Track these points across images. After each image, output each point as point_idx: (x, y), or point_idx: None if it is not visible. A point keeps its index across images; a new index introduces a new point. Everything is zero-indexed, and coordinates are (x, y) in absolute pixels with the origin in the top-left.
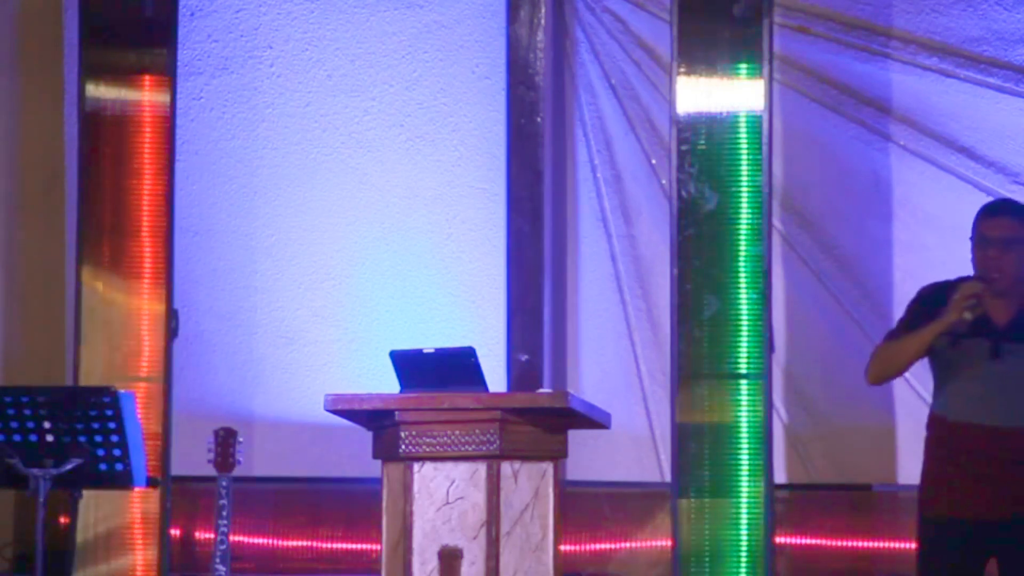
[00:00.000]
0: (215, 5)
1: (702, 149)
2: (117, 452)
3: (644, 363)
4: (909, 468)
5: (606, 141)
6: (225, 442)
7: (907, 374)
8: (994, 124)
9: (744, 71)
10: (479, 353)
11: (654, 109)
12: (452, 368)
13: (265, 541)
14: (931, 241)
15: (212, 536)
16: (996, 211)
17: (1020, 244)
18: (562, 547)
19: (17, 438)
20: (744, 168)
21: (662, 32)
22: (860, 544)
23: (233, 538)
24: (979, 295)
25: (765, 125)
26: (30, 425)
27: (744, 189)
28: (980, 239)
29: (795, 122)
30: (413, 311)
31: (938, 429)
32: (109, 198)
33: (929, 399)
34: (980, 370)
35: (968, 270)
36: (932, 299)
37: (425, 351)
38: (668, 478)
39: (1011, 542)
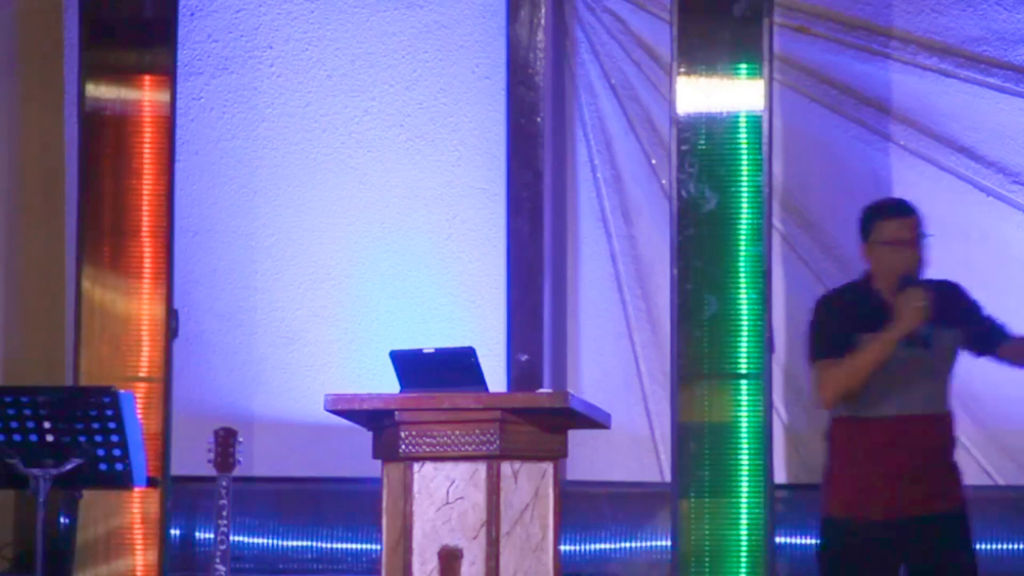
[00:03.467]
0: (215, 5)
1: (702, 149)
2: (117, 452)
3: (644, 363)
4: None
5: (606, 141)
6: (225, 442)
7: None
8: (994, 124)
9: (744, 71)
10: (479, 353)
11: (654, 109)
12: (452, 368)
13: (265, 541)
14: (931, 241)
15: (212, 536)
16: (901, 212)
17: (924, 239)
18: (562, 547)
19: (17, 438)
20: (744, 168)
21: (662, 32)
22: None
23: (233, 538)
24: (925, 296)
25: (765, 125)
26: (30, 425)
27: (744, 189)
28: (894, 242)
29: (795, 122)
30: (413, 311)
31: (849, 429)
32: (109, 198)
33: None
34: (902, 362)
35: (966, 270)
36: (847, 308)
37: (425, 351)
38: (668, 478)
39: (920, 542)
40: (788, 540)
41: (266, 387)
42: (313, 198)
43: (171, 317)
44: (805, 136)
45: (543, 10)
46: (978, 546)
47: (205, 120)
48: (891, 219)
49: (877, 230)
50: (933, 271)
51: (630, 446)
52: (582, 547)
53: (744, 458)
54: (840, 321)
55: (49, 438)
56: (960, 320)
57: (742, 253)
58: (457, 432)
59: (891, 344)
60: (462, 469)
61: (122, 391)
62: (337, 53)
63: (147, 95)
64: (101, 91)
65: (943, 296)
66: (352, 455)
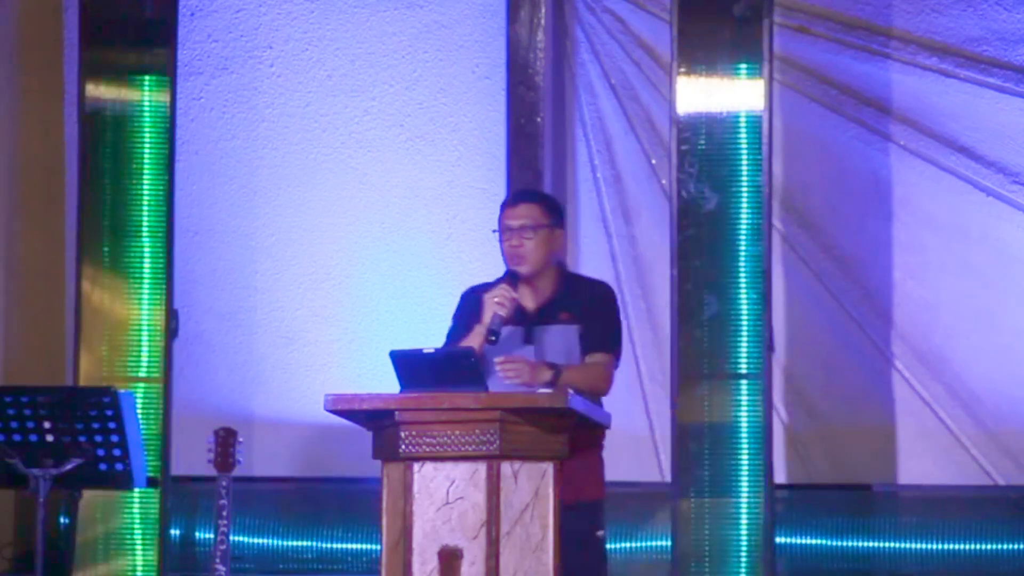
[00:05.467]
0: (215, 5)
1: (702, 149)
2: (117, 452)
3: (644, 363)
4: (909, 468)
5: (606, 141)
6: (225, 442)
7: (907, 374)
8: (994, 124)
9: (744, 71)
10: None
11: (654, 109)
12: (452, 368)
13: (265, 541)
14: (931, 241)
15: (212, 536)
16: (515, 200)
17: (541, 229)
18: None
19: (17, 438)
20: (744, 168)
21: (662, 32)
22: (860, 544)
23: (233, 538)
24: (504, 295)
25: (765, 125)
26: (30, 425)
27: (744, 189)
28: (503, 229)
29: (795, 122)
30: (413, 311)
31: None
32: (109, 198)
33: (930, 400)
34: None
35: (966, 269)
36: (472, 303)
37: (425, 351)
38: (668, 478)
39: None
40: (788, 540)
41: (266, 387)
42: (313, 198)
43: (171, 317)
44: (805, 136)
45: (543, 10)
46: (978, 546)
47: (205, 120)
48: (506, 208)
49: (499, 219)
50: (934, 270)
51: (630, 446)
52: None
53: (744, 458)
54: (467, 314)
55: (49, 438)
56: (579, 321)
57: (742, 253)
58: (457, 432)
59: (475, 342)
60: (462, 469)
61: (122, 391)
62: (337, 53)
63: (147, 95)
64: (101, 91)
65: (583, 297)
66: (352, 455)
